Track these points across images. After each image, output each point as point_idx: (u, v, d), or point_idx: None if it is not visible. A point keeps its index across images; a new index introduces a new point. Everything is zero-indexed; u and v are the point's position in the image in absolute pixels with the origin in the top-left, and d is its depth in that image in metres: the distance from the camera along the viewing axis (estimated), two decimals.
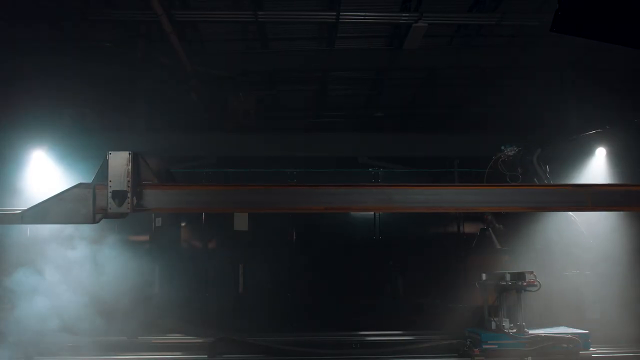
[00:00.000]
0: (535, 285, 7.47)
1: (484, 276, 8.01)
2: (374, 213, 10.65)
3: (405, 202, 4.50)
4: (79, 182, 4.26)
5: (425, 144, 10.76)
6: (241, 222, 8.91)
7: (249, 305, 9.76)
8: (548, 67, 10.11)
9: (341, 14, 8.46)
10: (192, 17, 8.75)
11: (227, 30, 9.60)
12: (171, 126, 10.82)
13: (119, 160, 3.99)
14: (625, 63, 8.50)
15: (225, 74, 9.97)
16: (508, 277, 7.59)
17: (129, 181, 3.94)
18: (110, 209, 3.97)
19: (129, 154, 4.01)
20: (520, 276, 7.52)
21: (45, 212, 4.07)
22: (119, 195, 3.95)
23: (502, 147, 7.80)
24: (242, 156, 10.49)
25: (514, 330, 7.43)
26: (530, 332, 7.40)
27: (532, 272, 7.55)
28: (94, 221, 4.03)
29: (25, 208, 4.11)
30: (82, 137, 8.97)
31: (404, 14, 8.54)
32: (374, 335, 8.44)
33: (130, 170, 3.96)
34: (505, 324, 7.52)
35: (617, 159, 9.16)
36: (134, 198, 3.99)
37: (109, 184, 3.98)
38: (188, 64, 9.30)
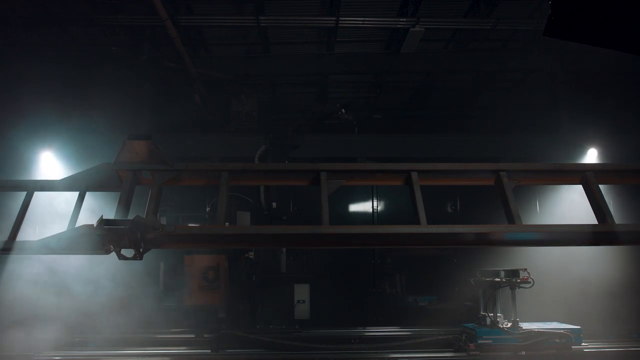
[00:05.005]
0: (529, 282, 7.61)
1: (478, 273, 8.19)
2: (373, 211, 10.94)
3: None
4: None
5: (423, 144, 11.00)
6: (243, 221, 9.15)
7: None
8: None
9: (340, 19, 8.70)
10: (196, 22, 8.99)
11: (229, 34, 9.84)
12: (175, 127, 11.01)
13: (119, 232, 3.97)
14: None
15: (227, 77, 10.16)
16: (502, 274, 7.75)
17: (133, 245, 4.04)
18: (120, 258, 4.16)
19: (127, 226, 3.94)
20: (514, 273, 7.68)
21: (59, 243, 4.18)
22: (125, 253, 4.13)
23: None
24: (243, 157, 10.67)
25: (508, 326, 7.59)
26: (524, 327, 7.54)
27: (525, 269, 7.71)
28: (107, 253, 4.23)
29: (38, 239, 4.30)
30: (89, 138, 9.16)
31: (401, 19, 8.78)
32: (372, 331, 8.63)
33: (131, 236, 3.97)
34: (500, 319, 7.71)
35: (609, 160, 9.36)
36: (141, 243, 4.11)
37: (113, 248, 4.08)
38: (192, 68, 9.52)
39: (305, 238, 4.24)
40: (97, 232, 4.04)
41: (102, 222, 3.99)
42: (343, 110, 9.01)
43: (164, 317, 8.68)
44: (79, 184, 4.53)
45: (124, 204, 4.33)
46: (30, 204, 4.44)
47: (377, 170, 4.52)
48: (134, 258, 4.18)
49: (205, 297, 8.75)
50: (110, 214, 4.31)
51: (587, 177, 4.42)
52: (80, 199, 4.47)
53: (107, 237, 4.01)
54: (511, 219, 4.23)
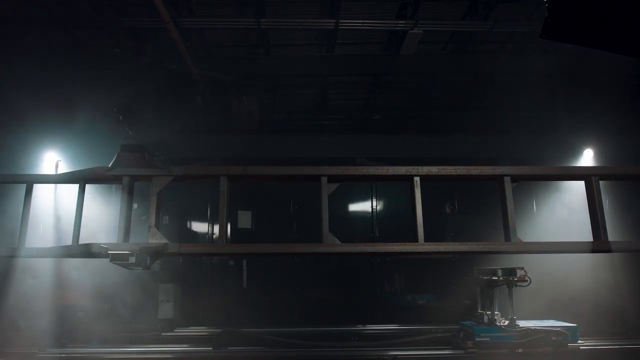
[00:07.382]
0: (526, 281, 7.73)
1: (476, 272, 8.28)
2: (372, 211, 11.06)
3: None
4: None
5: (423, 145, 11.09)
6: (244, 220, 9.26)
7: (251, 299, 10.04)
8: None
9: (340, 21, 8.78)
10: (197, 24, 9.08)
11: (231, 36, 9.94)
12: (176, 128, 11.10)
13: (126, 265, 4.26)
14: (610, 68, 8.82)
15: (229, 78, 10.26)
16: (500, 273, 7.86)
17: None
18: (128, 268, 4.35)
19: (133, 260, 4.18)
20: (511, 272, 7.79)
21: (64, 253, 4.38)
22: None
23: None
24: (245, 157, 10.78)
25: (506, 324, 7.71)
26: (521, 325, 7.66)
27: (522, 268, 7.81)
28: None
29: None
30: (92, 138, 9.27)
31: (400, 22, 8.87)
32: (372, 328, 8.74)
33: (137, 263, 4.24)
34: (497, 317, 7.82)
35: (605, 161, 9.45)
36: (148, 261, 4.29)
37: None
38: (193, 69, 9.62)
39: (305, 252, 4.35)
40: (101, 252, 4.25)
41: (110, 256, 4.23)
42: (120, 117, 8.81)
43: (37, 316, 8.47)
44: (78, 179, 4.67)
45: (126, 205, 4.46)
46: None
47: (379, 176, 4.57)
48: (142, 269, 4.37)
49: (69, 296, 8.73)
50: (112, 211, 4.47)
51: (592, 182, 4.49)
52: (82, 192, 4.60)
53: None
54: (508, 234, 4.33)
